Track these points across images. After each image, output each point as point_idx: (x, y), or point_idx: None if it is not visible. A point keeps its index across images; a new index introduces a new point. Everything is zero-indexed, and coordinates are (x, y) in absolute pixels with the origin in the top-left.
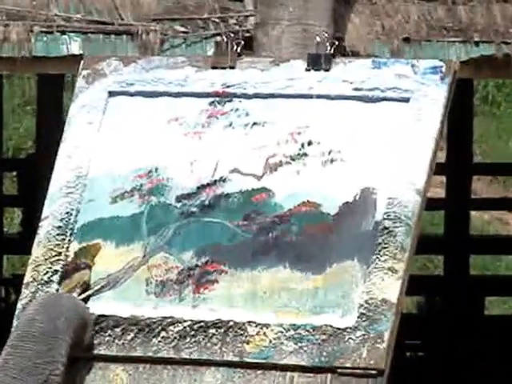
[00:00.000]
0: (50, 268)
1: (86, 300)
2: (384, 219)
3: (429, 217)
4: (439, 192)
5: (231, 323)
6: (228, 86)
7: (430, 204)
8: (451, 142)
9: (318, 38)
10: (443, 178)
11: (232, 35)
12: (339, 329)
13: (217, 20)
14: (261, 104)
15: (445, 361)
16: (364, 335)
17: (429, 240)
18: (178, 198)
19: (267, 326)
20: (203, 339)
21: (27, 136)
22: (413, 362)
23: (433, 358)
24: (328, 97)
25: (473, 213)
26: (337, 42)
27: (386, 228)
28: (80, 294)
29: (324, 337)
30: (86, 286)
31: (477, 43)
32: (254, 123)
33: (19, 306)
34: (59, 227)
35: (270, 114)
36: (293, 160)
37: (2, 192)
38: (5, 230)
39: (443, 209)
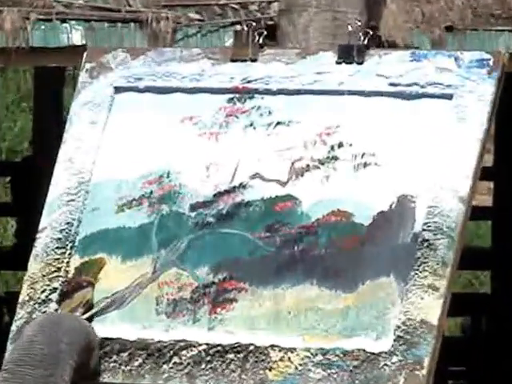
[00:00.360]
0: (49, 285)
1: (89, 320)
2: (423, 230)
3: (474, 228)
4: (486, 200)
5: (252, 347)
6: (249, 81)
7: (475, 213)
8: (499, 143)
9: (349, 27)
10: (490, 184)
11: (253, 24)
12: (373, 354)
13: (236, 6)
14: (285, 101)
15: None
16: (401, 361)
17: (474, 254)
18: (193, 207)
19: (292, 350)
20: (220, 365)
21: (22, 136)
22: None
23: None
24: (361, 93)
25: None
26: (371, 32)
27: (425, 240)
28: (83, 314)
29: (356, 363)
30: (88, 306)
31: None
32: (278, 123)
33: (14, 327)
34: (59, 239)
35: (295, 112)
36: (321, 164)
37: None
38: None
39: (490, 219)
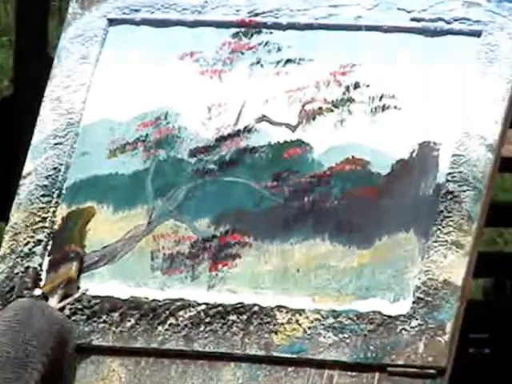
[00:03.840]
0: (33, 237)
1: (63, 308)
2: (447, 181)
3: (499, 181)
4: None
5: (256, 308)
6: (256, 14)
7: (503, 164)
8: None
9: None
10: None
11: None
12: (390, 317)
13: None
14: (296, 37)
15: None
16: (421, 325)
17: (499, 209)
18: (192, 152)
19: (301, 312)
20: (221, 328)
21: (2, 74)
22: (477, 360)
23: (502, 355)
24: (380, 29)
25: None
26: None
27: (449, 192)
28: (61, 300)
29: (371, 327)
30: (69, 287)
31: None
32: (288, 60)
33: None
34: (44, 186)
35: (307, 49)
36: (335, 107)
37: None
38: None
39: None
